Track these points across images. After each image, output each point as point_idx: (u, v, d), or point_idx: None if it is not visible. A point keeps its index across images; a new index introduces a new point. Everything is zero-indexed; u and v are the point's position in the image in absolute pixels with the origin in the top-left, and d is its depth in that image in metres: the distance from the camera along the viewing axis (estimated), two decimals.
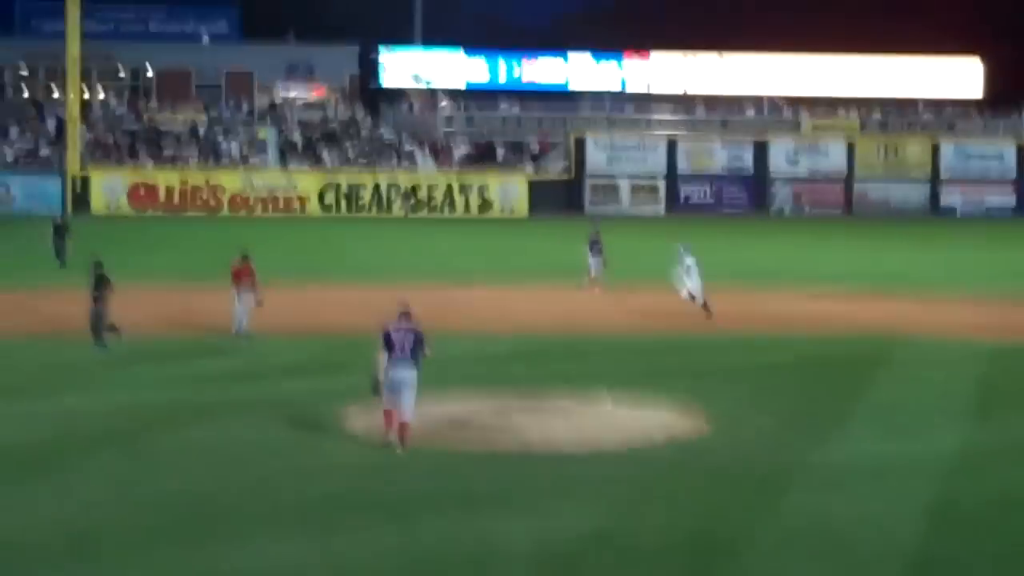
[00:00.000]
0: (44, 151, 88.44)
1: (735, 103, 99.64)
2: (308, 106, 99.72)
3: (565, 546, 18.79)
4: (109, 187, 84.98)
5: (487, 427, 26.00)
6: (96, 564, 18.07)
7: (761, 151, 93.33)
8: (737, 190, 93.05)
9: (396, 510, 20.52)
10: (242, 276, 36.81)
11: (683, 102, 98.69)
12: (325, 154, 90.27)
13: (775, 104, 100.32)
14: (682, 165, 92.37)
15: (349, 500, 21.10)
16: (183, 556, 18.36)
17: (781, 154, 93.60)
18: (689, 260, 41.28)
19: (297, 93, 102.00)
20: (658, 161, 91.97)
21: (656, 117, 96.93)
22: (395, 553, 18.50)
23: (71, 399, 28.70)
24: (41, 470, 22.82)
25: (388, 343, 24.04)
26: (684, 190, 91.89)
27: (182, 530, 19.59)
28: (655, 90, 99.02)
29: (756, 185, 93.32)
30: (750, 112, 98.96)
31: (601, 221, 55.78)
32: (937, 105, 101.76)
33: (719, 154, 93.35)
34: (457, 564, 18.01)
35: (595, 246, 48.81)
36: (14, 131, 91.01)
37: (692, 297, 40.68)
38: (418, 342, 24.16)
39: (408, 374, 23.99)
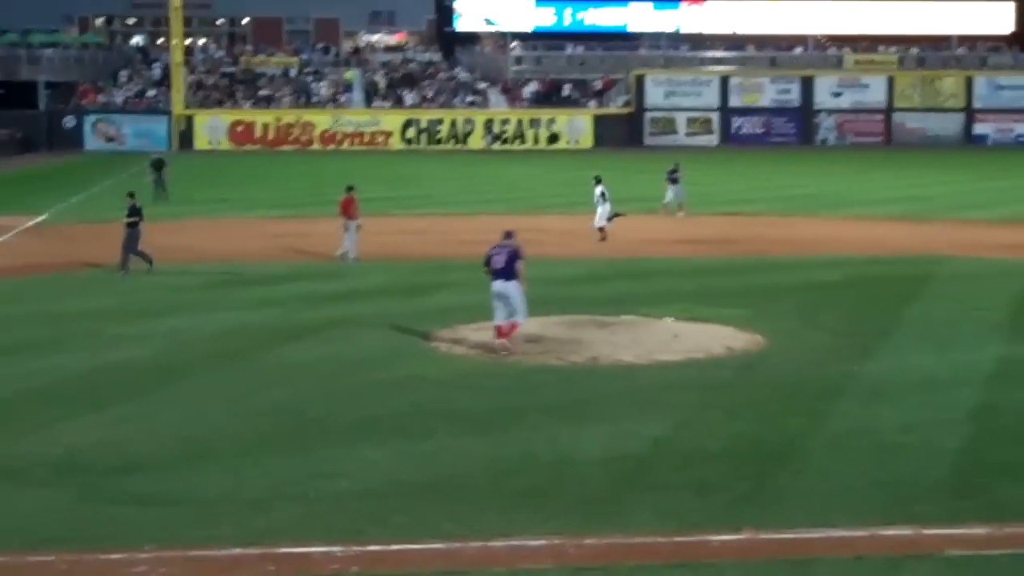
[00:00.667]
0: (151, 94, 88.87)
1: (783, 42, 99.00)
2: (389, 49, 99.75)
3: (634, 451, 18.89)
4: (211, 126, 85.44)
5: (561, 343, 26.07)
6: (207, 467, 18.30)
7: (807, 86, 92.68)
8: (785, 122, 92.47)
9: (481, 419, 20.70)
10: (349, 207, 37.09)
11: (734, 42, 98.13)
12: (406, 94, 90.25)
13: (820, 43, 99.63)
14: (734, 100, 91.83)
15: (437, 410, 21.25)
16: (289, 461, 18.59)
17: (825, 88, 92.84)
18: (597, 191, 41.90)
19: (379, 37, 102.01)
20: (712, 96, 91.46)
21: (710, 55, 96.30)
22: (481, 458, 18.65)
23: (184, 320, 29.05)
24: (160, 384, 23.13)
25: (487, 262, 25.25)
26: (736, 123, 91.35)
27: (287, 437, 19.83)
28: (708, 31, 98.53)
29: (802, 117, 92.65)
30: (797, 50, 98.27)
31: (680, 157, 55.16)
32: (970, 41, 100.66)
33: (768, 89, 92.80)
34: (536, 468, 18.11)
35: (673, 175, 48.66)
36: (124, 76, 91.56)
37: (600, 227, 41.38)
38: (512, 258, 25.01)
39: (504, 286, 24.99)
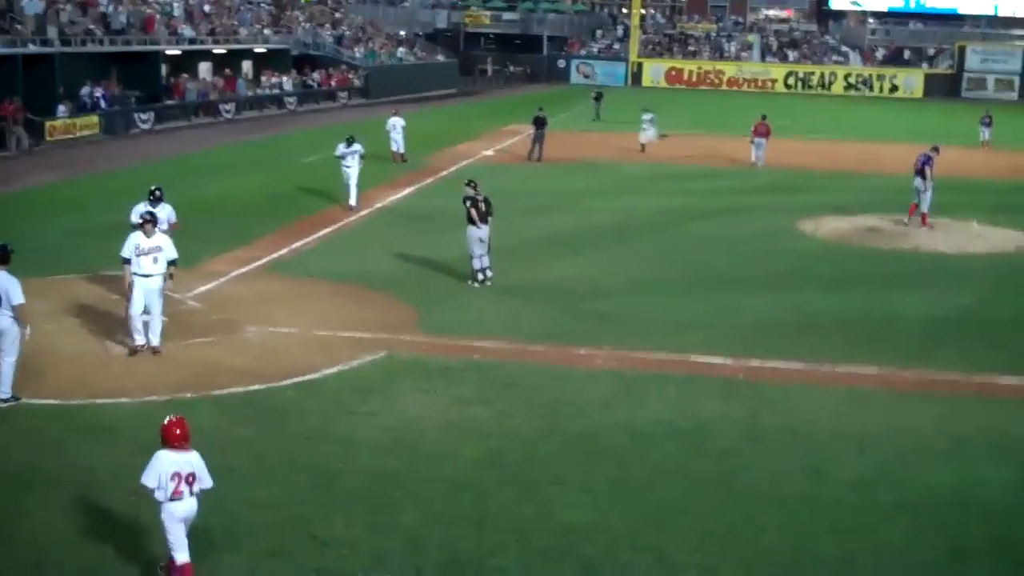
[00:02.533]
0: (615, 46, 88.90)
1: None
2: (780, 21, 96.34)
3: (945, 314, 18.01)
4: (653, 70, 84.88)
5: (893, 234, 24.93)
6: (645, 299, 18.53)
7: None
8: None
9: (833, 282, 20.13)
10: (760, 130, 35.89)
11: None
12: (789, 53, 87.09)
13: None
14: None
15: (801, 274, 20.79)
16: (700, 300, 18.63)
17: None
18: (646, 117, 39.34)
19: (774, 13, 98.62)
20: (1015, 64, 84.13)
21: (1016, 33, 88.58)
22: (834, 307, 18.20)
23: (634, 200, 29.14)
24: (617, 241, 23.42)
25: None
26: None
27: (698, 284, 19.86)
28: (1018, 14, 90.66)
29: None
30: None
31: (992, 106, 50.97)
32: None
33: None
34: (872, 320, 17.55)
35: (986, 119, 45.11)
36: (599, 33, 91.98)
37: (642, 144, 38.76)
38: (924, 163, 25.48)
39: (917, 181, 25.48)
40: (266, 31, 60.00)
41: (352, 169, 26.01)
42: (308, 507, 10.35)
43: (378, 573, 9.23)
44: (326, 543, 9.67)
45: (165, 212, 16.69)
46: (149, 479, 8.48)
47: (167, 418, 8.70)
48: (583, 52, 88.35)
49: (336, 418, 12.64)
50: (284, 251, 21.39)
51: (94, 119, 40.91)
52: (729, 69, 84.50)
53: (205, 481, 8.63)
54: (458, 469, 11.33)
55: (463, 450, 11.80)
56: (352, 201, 25.95)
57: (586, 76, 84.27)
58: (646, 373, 14.56)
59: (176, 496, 8.46)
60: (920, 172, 25.37)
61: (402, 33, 79.06)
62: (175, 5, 53.62)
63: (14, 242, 13.09)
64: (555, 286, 19.09)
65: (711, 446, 12.09)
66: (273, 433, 12.13)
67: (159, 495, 8.48)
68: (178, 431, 8.56)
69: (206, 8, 56.84)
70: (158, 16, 50.50)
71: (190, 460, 8.55)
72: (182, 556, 8.50)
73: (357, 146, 26.22)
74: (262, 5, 65.00)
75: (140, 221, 14.93)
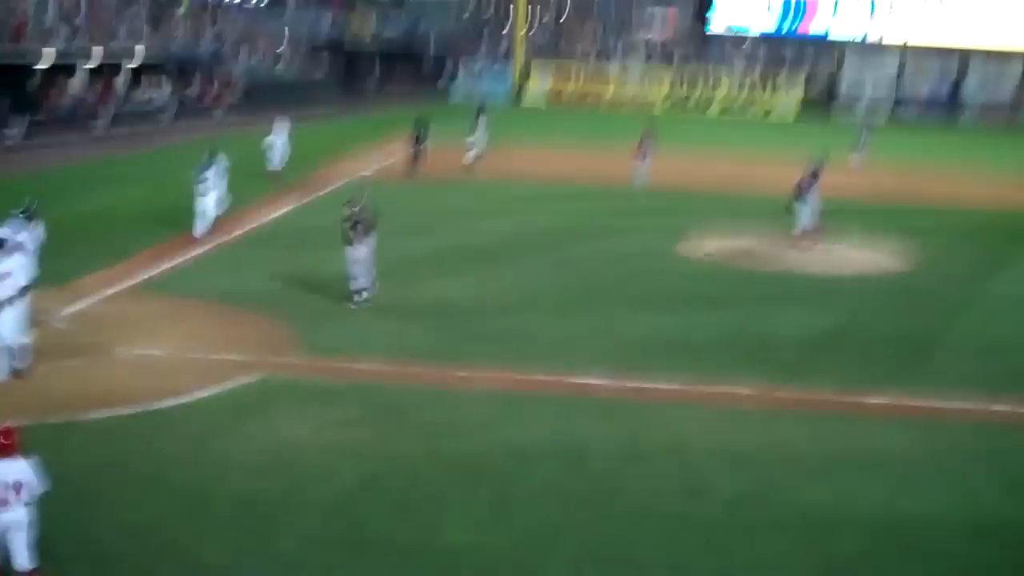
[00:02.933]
0: (497, 67, 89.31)
1: (939, 52, 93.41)
2: (660, 44, 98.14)
3: (817, 334, 18.48)
4: (536, 89, 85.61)
5: (765, 256, 25.46)
6: (527, 318, 18.60)
7: (956, 82, 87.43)
8: (939, 107, 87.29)
9: (710, 302, 20.47)
10: (641, 149, 35.73)
11: (905, 51, 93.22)
12: (668, 74, 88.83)
13: (964, 53, 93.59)
14: (901, 90, 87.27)
15: (679, 294, 21.10)
16: (580, 319, 18.81)
17: (970, 83, 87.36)
18: (481, 120, 40.43)
19: (654, 35, 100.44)
20: (887, 86, 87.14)
21: (887, 59, 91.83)
22: (711, 327, 18.52)
23: (521, 217, 29.14)
24: (504, 261, 23.44)
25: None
26: (903, 106, 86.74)
27: (579, 304, 20.01)
28: (886, 40, 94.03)
29: (951, 103, 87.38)
30: (948, 57, 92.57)
31: (871, 122, 52.17)
32: None
33: (927, 82, 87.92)
34: (747, 338, 17.92)
35: (858, 144, 46.30)
36: (483, 51, 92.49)
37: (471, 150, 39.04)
38: (800, 184, 26.74)
39: (799, 204, 26.47)
40: (142, 41, 58.72)
41: (207, 196, 23.58)
42: (179, 532, 10.14)
43: None
44: (198, 570, 9.48)
45: (27, 234, 15.35)
46: None
47: None
48: (465, 70, 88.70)
49: (209, 441, 12.40)
50: (157, 270, 20.93)
51: None
52: (610, 90, 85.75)
53: (36, 486, 8.53)
54: (336, 492, 11.22)
55: (341, 473, 11.69)
56: (202, 229, 23.55)
57: (468, 94, 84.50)
58: (527, 393, 14.62)
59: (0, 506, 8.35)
60: (800, 192, 26.13)
61: (282, 46, 78.25)
62: (50, 11, 52.11)
63: None
64: (437, 306, 19.06)
65: (591, 466, 12.21)
66: (143, 457, 11.85)
67: None
68: (2, 440, 8.53)
69: (81, 16, 55.38)
70: (30, 24, 49.03)
71: (16, 468, 8.46)
72: None
73: (216, 164, 24.11)
74: (140, 12, 63.62)
75: None
